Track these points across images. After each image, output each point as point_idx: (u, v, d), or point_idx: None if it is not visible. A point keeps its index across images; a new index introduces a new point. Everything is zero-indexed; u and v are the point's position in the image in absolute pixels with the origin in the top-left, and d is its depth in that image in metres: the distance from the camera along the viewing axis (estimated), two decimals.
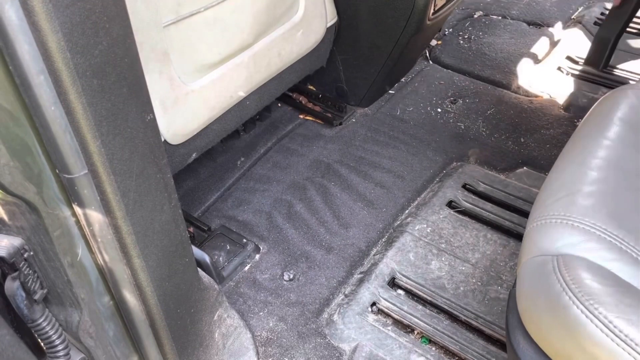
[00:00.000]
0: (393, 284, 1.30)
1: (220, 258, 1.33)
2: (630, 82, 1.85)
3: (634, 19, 2.15)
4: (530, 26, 2.18)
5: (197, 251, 1.26)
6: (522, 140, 1.66)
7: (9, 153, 0.56)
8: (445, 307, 1.23)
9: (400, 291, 1.29)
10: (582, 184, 0.84)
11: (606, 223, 0.77)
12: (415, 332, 1.21)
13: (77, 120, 0.56)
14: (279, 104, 1.83)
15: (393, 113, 1.80)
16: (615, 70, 1.92)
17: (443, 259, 1.33)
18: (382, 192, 1.51)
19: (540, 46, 2.06)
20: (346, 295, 1.28)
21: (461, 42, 2.11)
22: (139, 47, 0.61)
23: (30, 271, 0.65)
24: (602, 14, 2.20)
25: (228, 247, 1.36)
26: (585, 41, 2.05)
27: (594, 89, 1.83)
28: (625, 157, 0.89)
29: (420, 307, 1.24)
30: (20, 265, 0.63)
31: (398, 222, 1.44)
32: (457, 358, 1.16)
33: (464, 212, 1.45)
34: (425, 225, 1.41)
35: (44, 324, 0.68)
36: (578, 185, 0.84)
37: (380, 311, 1.25)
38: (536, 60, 1.99)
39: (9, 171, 0.57)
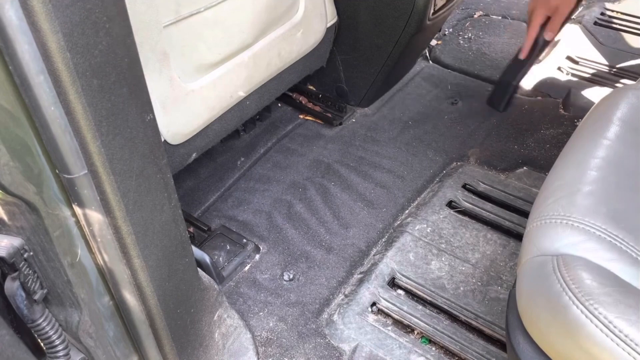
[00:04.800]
0: (393, 284, 1.30)
1: (220, 258, 1.33)
2: (630, 82, 1.85)
3: (634, 19, 2.15)
4: None
5: (197, 251, 1.26)
6: (522, 140, 1.66)
7: (9, 153, 0.56)
8: (445, 307, 1.23)
9: (400, 291, 1.29)
10: (582, 184, 0.84)
11: (606, 223, 0.77)
12: (415, 332, 1.21)
13: (77, 120, 0.56)
14: (279, 104, 1.83)
15: (393, 113, 1.80)
16: (615, 70, 1.92)
17: (443, 259, 1.33)
18: (382, 192, 1.51)
19: None
20: (346, 295, 1.28)
21: (461, 42, 2.11)
22: (139, 47, 0.61)
23: (30, 271, 0.65)
24: (602, 14, 2.20)
25: (228, 247, 1.36)
26: (585, 41, 2.05)
27: (594, 89, 1.83)
28: (625, 157, 0.89)
29: (420, 307, 1.24)
30: (20, 266, 0.63)
31: (398, 222, 1.44)
32: (457, 358, 1.16)
33: (464, 212, 1.45)
34: (425, 225, 1.41)
35: (44, 324, 0.68)
36: (578, 185, 0.84)
37: (380, 311, 1.25)
38: (536, 60, 1.99)
39: (9, 171, 0.57)
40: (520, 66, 1.68)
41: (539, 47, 1.61)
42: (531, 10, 1.55)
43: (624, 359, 0.63)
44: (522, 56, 1.64)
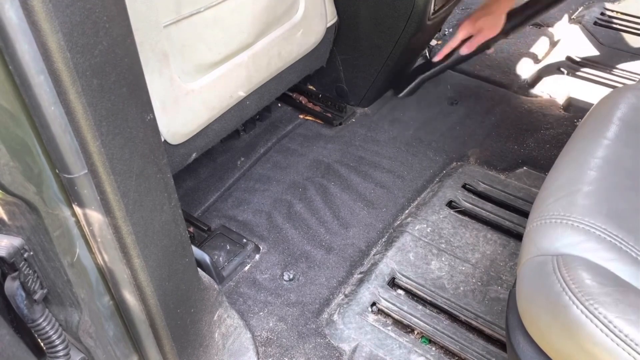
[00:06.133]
0: (393, 284, 1.30)
1: (220, 258, 1.33)
2: (630, 82, 1.85)
3: (634, 19, 2.15)
4: (530, 26, 2.18)
5: (197, 251, 1.26)
6: (522, 140, 1.66)
7: (9, 153, 0.56)
8: (445, 307, 1.23)
9: (400, 291, 1.29)
10: (581, 184, 0.84)
11: (606, 223, 0.77)
12: (415, 332, 1.21)
13: (77, 120, 0.56)
14: (279, 104, 1.83)
15: (393, 113, 1.80)
16: (615, 70, 1.92)
17: (443, 259, 1.33)
18: (382, 192, 1.51)
19: (540, 46, 2.06)
20: (346, 295, 1.28)
21: None
22: (139, 47, 0.61)
23: (30, 271, 0.65)
24: (602, 14, 2.20)
25: (228, 247, 1.36)
26: (585, 41, 2.05)
27: (594, 89, 1.83)
28: (625, 156, 0.89)
29: (420, 307, 1.24)
30: (20, 265, 0.63)
31: (398, 222, 1.44)
32: (457, 358, 1.16)
33: (464, 212, 1.45)
34: (425, 225, 1.41)
35: (44, 324, 0.68)
36: (578, 185, 0.84)
37: (380, 311, 1.25)
38: (536, 60, 1.99)
39: (9, 171, 0.57)
40: (431, 65, 1.78)
41: (454, 58, 1.72)
42: (460, 23, 1.65)
43: (624, 358, 0.63)
44: (435, 59, 1.74)
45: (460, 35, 1.64)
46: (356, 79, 1.76)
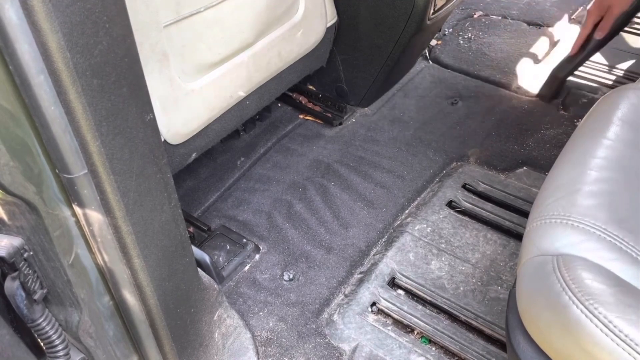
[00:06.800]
0: (393, 284, 1.30)
1: (220, 258, 1.33)
2: (630, 82, 1.85)
3: (634, 19, 2.15)
4: (530, 26, 2.18)
5: (197, 251, 1.26)
6: (522, 140, 1.66)
7: (9, 153, 0.56)
8: (445, 307, 1.23)
9: (400, 291, 1.29)
10: (582, 184, 0.84)
11: (606, 223, 0.77)
12: (415, 332, 1.21)
13: (77, 120, 0.56)
14: (279, 104, 1.83)
15: (393, 113, 1.80)
16: (615, 70, 1.92)
17: (443, 259, 1.33)
18: (382, 192, 1.51)
19: (540, 46, 2.06)
20: (346, 295, 1.28)
21: (461, 42, 2.11)
22: (139, 47, 0.61)
23: (30, 271, 0.65)
24: None
25: (228, 247, 1.36)
26: None
27: (594, 89, 1.83)
28: (626, 156, 0.89)
29: (420, 307, 1.24)
30: (20, 265, 0.63)
31: (398, 222, 1.44)
32: (457, 358, 1.16)
33: (464, 212, 1.45)
34: (425, 225, 1.41)
35: (44, 324, 0.68)
36: (578, 185, 0.84)
37: (380, 311, 1.25)
38: (536, 60, 1.99)
39: (9, 171, 0.57)
40: (570, 61, 1.72)
41: (592, 46, 1.63)
42: (589, 9, 1.57)
43: (624, 358, 0.63)
44: (570, 52, 1.68)
45: (590, 20, 1.56)
46: (356, 79, 1.76)
